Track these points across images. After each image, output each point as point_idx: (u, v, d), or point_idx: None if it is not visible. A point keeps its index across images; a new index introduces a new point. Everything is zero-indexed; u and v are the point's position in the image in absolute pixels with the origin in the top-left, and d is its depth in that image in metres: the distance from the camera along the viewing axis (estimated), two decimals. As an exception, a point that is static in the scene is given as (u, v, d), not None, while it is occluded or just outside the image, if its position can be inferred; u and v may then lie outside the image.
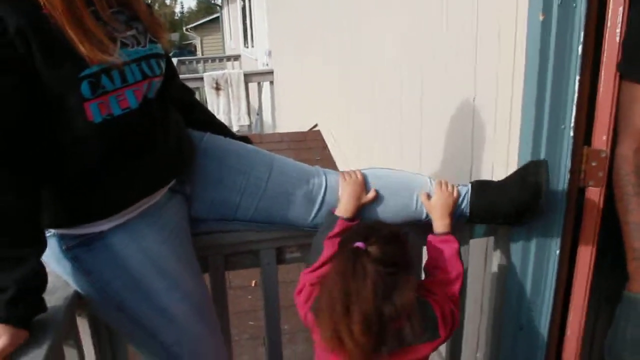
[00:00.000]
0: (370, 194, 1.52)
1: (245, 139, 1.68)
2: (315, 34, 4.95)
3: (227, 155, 1.51)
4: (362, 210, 1.52)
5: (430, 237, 1.51)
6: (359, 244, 1.22)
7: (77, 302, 1.36)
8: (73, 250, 1.28)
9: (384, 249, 1.22)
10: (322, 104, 4.85)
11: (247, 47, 13.15)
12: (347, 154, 4.16)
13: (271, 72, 7.77)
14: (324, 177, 1.54)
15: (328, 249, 1.40)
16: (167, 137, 1.35)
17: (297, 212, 1.51)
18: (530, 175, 1.51)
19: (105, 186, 1.25)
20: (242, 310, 3.08)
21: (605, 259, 1.70)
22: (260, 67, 9.76)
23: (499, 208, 1.54)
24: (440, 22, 2.17)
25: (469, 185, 1.58)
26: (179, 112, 1.49)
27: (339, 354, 1.25)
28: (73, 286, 1.34)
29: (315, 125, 4.99)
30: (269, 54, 8.99)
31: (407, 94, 2.64)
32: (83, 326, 1.46)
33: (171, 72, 1.48)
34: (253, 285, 3.30)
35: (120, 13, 1.27)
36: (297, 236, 1.61)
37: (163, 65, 1.35)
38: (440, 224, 1.51)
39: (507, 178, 1.57)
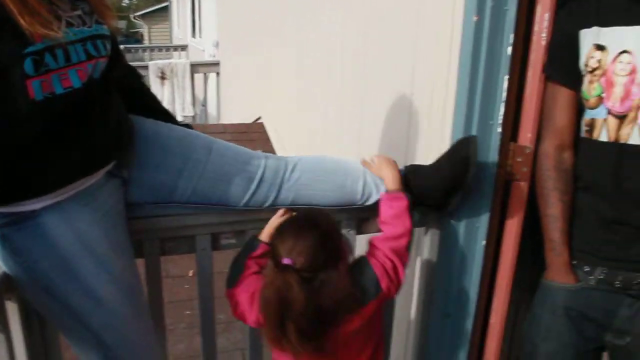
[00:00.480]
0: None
1: (187, 127, 1.69)
2: (263, 28, 4.97)
3: (167, 139, 1.52)
4: (300, 192, 1.57)
5: (381, 194, 1.58)
6: (287, 261, 1.28)
7: (5, 286, 1.33)
8: (2, 229, 1.25)
9: (309, 258, 1.28)
10: (266, 97, 4.88)
11: (195, 38, 13.01)
12: (289, 147, 4.20)
13: (218, 64, 7.74)
14: (264, 159, 1.57)
15: (249, 268, 1.49)
16: (107, 119, 1.35)
17: (235, 191, 1.54)
18: (460, 150, 1.58)
19: (41, 164, 1.24)
20: (179, 300, 3.08)
21: (528, 250, 1.79)
22: (208, 58, 9.69)
23: (432, 186, 1.61)
24: (384, 23, 2.23)
25: (403, 168, 1.64)
26: (124, 95, 1.49)
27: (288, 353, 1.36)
28: (1, 267, 1.32)
29: (259, 118, 5.01)
30: (217, 45, 8.94)
31: (349, 91, 2.70)
32: (12, 311, 1.41)
33: (116, 54, 1.47)
34: (190, 274, 3.30)
35: None
36: (233, 222, 1.64)
37: (109, 46, 1.34)
38: (389, 181, 1.57)
39: (439, 157, 1.64)
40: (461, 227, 1.73)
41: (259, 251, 1.50)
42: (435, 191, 1.62)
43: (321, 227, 1.34)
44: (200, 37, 12.21)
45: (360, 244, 1.76)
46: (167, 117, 1.67)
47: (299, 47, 3.74)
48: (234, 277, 1.49)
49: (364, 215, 1.71)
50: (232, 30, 7.18)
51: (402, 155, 2.05)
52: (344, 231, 1.72)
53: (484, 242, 1.74)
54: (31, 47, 1.14)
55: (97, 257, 1.34)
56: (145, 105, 1.62)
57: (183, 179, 1.50)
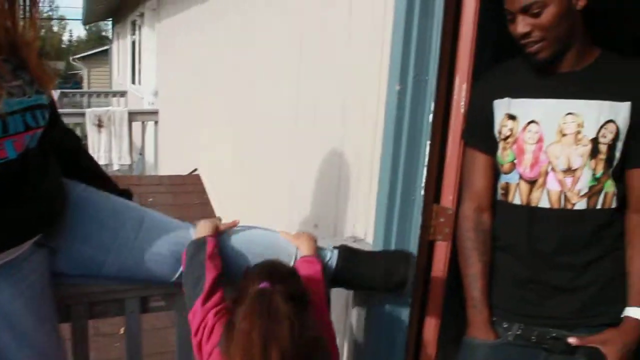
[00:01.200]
0: (230, 223, 1.58)
1: (126, 192, 1.68)
2: (199, 79, 5.02)
3: (99, 211, 1.50)
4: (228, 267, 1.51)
5: (297, 262, 1.56)
6: (265, 285, 1.22)
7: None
8: None
9: (289, 285, 1.24)
10: (202, 149, 4.90)
11: (135, 85, 12.93)
12: (225, 201, 4.22)
13: (156, 112, 7.70)
14: (192, 231, 1.54)
15: (210, 270, 1.39)
16: (40, 190, 1.34)
17: (162, 270, 1.52)
18: (395, 272, 1.61)
19: None
20: (109, 359, 3.00)
21: (454, 306, 1.86)
22: (146, 106, 9.63)
23: (365, 283, 1.64)
24: (315, 83, 2.32)
25: (335, 251, 1.63)
26: (61, 157, 1.48)
27: None
28: None
29: (195, 170, 5.01)
30: (156, 93, 8.92)
31: (281, 150, 2.76)
32: None
33: (54, 117, 1.47)
34: (121, 332, 3.22)
35: (7, 62, 1.25)
36: (163, 286, 1.62)
37: (47, 115, 1.34)
38: (305, 248, 1.56)
39: (374, 257, 1.67)
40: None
41: (210, 246, 1.43)
42: (364, 288, 1.66)
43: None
44: (139, 84, 12.13)
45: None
46: (105, 181, 1.66)
47: (233, 100, 3.80)
48: (195, 284, 1.39)
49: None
50: (170, 79, 7.20)
51: (332, 215, 2.11)
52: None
53: (410, 300, 1.79)
54: None
55: (19, 331, 1.32)
56: (82, 169, 1.61)
57: (111, 255, 1.47)
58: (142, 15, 9.81)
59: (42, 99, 1.32)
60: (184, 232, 1.53)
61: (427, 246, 1.79)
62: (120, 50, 15.57)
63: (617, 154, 1.47)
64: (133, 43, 12.76)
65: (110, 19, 16.36)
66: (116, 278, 1.52)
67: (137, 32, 11.95)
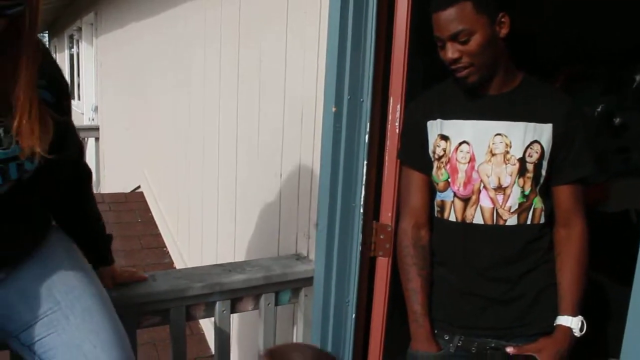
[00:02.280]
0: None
1: (108, 236, 1.64)
2: (141, 96, 4.97)
3: (56, 274, 1.42)
4: None
5: None
6: None
7: None
8: None
9: None
10: (145, 165, 4.84)
11: (74, 100, 12.65)
12: (168, 219, 4.19)
13: (97, 129, 7.56)
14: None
15: None
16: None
17: None
18: None
19: None
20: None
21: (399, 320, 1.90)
22: (86, 122, 9.44)
23: None
24: (255, 106, 2.33)
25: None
26: (62, 199, 1.50)
27: None
28: None
29: (138, 187, 4.94)
30: (95, 109, 8.75)
31: (224, 169, 2.76)
32: None
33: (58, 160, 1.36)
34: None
35: None
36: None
37: (27, 166, 1.30)
38: None
39: None
40: (331, 303, 1.81)
41: None
42: None
43: None
44: (79, 99, 11.87)
45: (234, 323, 1.81)
46: (89, 238, 1.60)
47: (174, 115, 3.78)
48: None
49: (238, 295, 1.77)
50: (110, 95, 7.08)
51: (275, 234, 2.13)
52: (216, 312, 1.76)
53: (354, 316, 1.83)
54: None
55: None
56: (69, 220, 1.57)
57: (39, 324, 1.38)
58: (79, 29, 9.62)
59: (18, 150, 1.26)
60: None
61: (368, 262, 1.82)
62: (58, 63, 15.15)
63: (543, 172, 1.54)
64: (71, 57, 12.49)
65: (46, 32, 15.94)
66: (28, 350, 1.41)
67: (74, 46, 11.71)
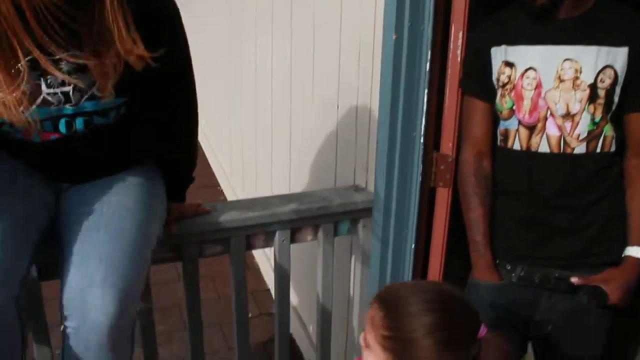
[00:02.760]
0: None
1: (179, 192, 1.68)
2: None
3: (115, 194, 1.48)
4: None
5: None
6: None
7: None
8: None
9: None
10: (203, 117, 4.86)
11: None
12: (221, 158, 4.22)
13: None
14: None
15: None
16: (74, 162, 1.47)
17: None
18: None
19: None
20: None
21: (457, 252, 1.89)
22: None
23: None
24: (310, 38, 2.29)
25: None
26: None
27: None
28: None
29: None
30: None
31: (278, 102, 2.75)
32: None
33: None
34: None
35: (66, 61, 1.26)
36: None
37: (100, 119, 1.39)
38: None
39: None
40: (390, 233, 1.81)
41: None
42: None
43: None
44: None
45: (294, 254, 1.83)
46: (176, 180, 1.67)
47: (229, 44, 3.75)
48: None
49: (297, 225, 1.78)
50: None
51: (331, 168, 2.13)
52: (276, 241, 1.80)
53: (413, 246, 1.82)
54: None
55: None
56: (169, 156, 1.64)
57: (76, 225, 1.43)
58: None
59: (94, 104, 1.35)
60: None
61: (428, 193, 1.80)
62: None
63: (616, 99, 1.48)
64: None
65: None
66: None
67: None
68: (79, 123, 1.38)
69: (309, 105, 2.33)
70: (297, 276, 2.57)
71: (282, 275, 1.86)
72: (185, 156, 1.68)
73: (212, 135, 4.52)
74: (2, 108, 1.22)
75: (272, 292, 2.67)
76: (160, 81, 1.41)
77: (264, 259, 3.20)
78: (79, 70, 1.29)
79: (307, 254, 2.22)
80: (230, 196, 4.10)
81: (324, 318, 1.98)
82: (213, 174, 4.65)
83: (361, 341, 1.12)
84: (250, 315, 2.90)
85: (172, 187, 1.64)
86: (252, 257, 3.40)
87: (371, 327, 1.08)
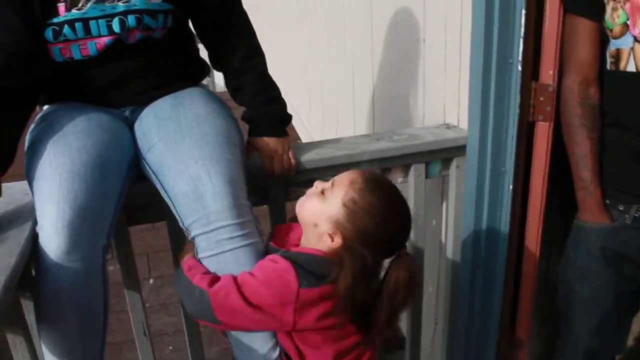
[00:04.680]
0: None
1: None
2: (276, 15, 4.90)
3: (189, 105, 1.47)
4: None
5: None
6: None
7: (20, 283, 1.26)
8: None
9: None
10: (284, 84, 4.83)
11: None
12: (298, 107, 4.16)
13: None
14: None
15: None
16: (129, 78, 1.49)
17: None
18: None
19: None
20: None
21: (558, 193, 1.74)
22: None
23: None
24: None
25: None
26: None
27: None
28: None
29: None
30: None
31: (358, 42, 2.62)
32: (29, 308, 1.35)
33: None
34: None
35: None
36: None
37: (148, 20, 1.41)
38: None
39: None
40: (486, 171, 1.68)
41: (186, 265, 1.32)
42: None
43: None
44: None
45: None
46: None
47: (304, 9, 3.65)
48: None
49: (386, 164, 1.69)
50: None
51: (420, 106, 2.00)
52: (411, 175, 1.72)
53: (511, 187, 1.68)
54: (53, 18, 1.34)
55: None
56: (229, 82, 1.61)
57: (160, 145, 1.43)
58: None
59: (146, 3, 1.39)
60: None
61: (527, 128, 1.65)
62: None
63: None
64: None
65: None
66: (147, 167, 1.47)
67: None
68: (131, 20, 1.39)
69: (392, 41, 2.20)
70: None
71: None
72: (255, 77, 1.59)
73: (289, 86, 4.46)
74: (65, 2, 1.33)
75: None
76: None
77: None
78: None
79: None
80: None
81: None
82: (292, 127, 4.63)
83: (314, 187, 1.23)
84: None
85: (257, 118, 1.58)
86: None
87: (347, 186, 1.18)
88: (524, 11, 1.52)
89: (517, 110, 1.61)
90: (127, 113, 1.55)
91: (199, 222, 1.31)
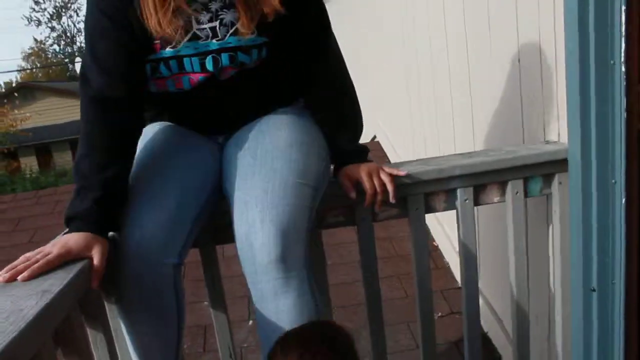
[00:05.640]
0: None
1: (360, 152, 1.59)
2: (363, 38, 4.96)
3: (269, 133, 1.47)
4: None
5: None
6: None
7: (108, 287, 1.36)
8: None
9: None
10: (378, 115, 4.83)
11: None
12: (403, 157, 4.11)
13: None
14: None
15: None
16: (223, 109, 1.52)
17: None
18: None
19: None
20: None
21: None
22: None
23: None
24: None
25: None
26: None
27: None
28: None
29: (375, 137, 4.96)
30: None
31: (454, 66, 2.56)
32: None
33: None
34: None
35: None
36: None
37: (243, 56, 1.41)
38: None
39: None
40: (593, 187, 1.54)
41: None
42: None
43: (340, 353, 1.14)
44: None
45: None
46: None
47: (399, 51, 3.66)
48: None
49: (481, 181, 1.59)
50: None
51: (518, 130, 1.90)
52: (457, 202, 1.61)
53: (624, 200, 1.53)
54: (151, 55, 1.39)
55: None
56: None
57: (234, 175, 1.44)
58: None
59: (238, 40, 1.39)
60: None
61: (637, 135, 1.51)
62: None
63: None
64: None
65: None
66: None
67: None
68: (224, 59, 1.40)
69: (487, 69, 2.13)
70: (488, 244, 2.35)
71: (467, 239, 1.66)
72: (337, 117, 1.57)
73: (394, 138, 4.44)
74: (163, 41, 1.37)
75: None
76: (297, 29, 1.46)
77: (452, 254, 2.98)
78: (226, 7, 1.38)
79: (492, 235, 1.99)
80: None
81: (519, 304, 1.73)
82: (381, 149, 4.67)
83: None
84: (440, 314, 2.71)
85: (340, 147, 1.56)
86: (441, 256, 3.20)
87: None
88: (623, 7, 1.42)
89: (624, 115, 1.47)
90: (220, 140, 1.58)
91: (247, 269, 1.33)
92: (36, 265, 1.11)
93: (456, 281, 2.94)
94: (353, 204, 1.57)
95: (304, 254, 1.34)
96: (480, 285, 1.80)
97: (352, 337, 1.19)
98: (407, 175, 1.54)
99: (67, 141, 23.04)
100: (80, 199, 1.27)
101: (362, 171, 1.51)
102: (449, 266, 3.11)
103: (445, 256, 3.17)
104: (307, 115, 1.56)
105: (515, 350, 1.77)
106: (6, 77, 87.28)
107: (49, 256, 1.15)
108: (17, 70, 41.93)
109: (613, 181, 1.53)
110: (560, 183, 1.64)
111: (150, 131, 1.52)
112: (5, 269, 1.11)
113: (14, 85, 31.16)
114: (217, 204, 1.48)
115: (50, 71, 41.63)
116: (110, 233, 1.31)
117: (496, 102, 2.05)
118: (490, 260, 2.34)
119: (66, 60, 40.48)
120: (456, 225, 1.67)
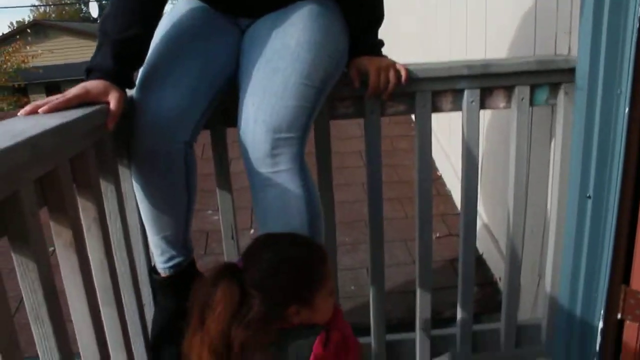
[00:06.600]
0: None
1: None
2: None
3: (281, 31, 1.46)
4: None
5: None
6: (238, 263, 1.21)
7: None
8: None
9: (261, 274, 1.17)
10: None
11: None
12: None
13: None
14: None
15: None
16: None
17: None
18: None
19: None
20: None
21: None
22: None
23: None
24: None
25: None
26: None
27: None
28: None
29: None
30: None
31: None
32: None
33: None
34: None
35: None
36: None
37: None
38: None
39: None
40: (598, 96, 1.57)
41: None
42: None
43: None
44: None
45: (482, 121, 1.67)
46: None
47: None
48: None
49: (488, 84, 1.62)
50: None
51: (530, 34, 1.91)
52: (464, 103, 1.64)
53: (627, 110, 1.56)
54: None
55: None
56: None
57: (242, 70, 1.48)
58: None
59: None
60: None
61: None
62: None
63: None
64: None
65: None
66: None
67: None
68: None
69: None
70: (491, 147, 2.38)
71: (470, 143, 1.70)
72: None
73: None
74: None
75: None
76: None
77: (455, 182, 3.03)
78: None
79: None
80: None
81: (516, 214, 1.77)
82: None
83: None
84: (438, 234, 2.77)
85: (353, 37, 1.58)
86: (444, 184, 3.25)
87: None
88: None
89: (637, 26, 1.49)
90: (243, 26, 1.58)
91: (245, 161, 1.39)
92: (56, 101, 1.17)
93: (456, 208, 2.99)
94: (363, 96, 1.60)
95: (298, 150, 1.37)
96: (479, 209, 1.84)
97: (325, 251, 1.25)
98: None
99: (78, 80, 22.91)
100: (102, 54, 1.32)
101: (372, 66, 1.55)
102: (450, 194, 3.16)
103: (448, 184, 3.22)
104: (331, 7, 1.53)
105: (508, 263, 1.83)
106: (19, 17, 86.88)
107: (68, 95, 1.21)
108: (30, 6, 41.66)
109: (618, 91, 1.56)
110: (566, 93, 1.67)
111: (181, 7, 1.55)
112: (26, 107, 1.16)
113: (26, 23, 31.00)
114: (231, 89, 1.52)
115: (64, 12, 41.35)
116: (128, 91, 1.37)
117: (510, 10, 2.07)
118: (490, 186, 2.39)
119: (80, 0, 40.13)
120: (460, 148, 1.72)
